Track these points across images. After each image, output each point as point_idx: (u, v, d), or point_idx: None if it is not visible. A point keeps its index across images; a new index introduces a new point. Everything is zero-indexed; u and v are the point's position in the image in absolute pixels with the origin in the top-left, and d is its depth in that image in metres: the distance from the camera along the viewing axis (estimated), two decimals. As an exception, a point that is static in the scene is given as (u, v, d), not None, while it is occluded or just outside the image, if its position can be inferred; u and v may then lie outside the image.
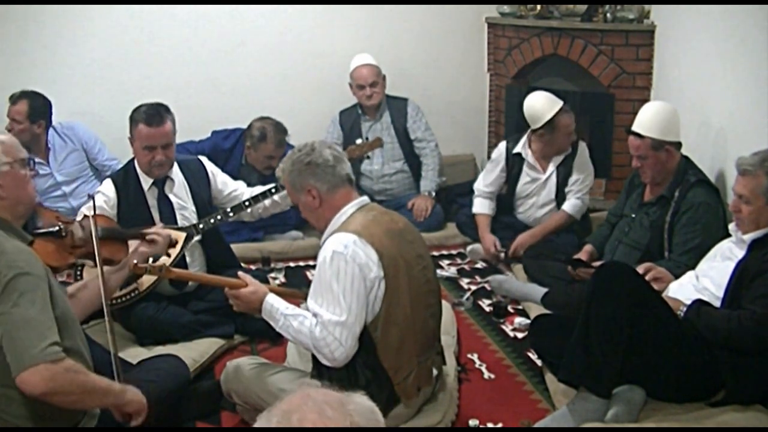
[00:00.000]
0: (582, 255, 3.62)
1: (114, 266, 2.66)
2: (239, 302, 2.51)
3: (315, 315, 2.34)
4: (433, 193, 4.67)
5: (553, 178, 4.17)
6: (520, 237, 4.09)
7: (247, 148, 4.39)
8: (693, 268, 2.93)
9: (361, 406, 1.12)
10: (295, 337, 2.40)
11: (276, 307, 2.45)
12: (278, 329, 2.44)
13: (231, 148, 4.46)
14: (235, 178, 3.90)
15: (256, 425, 1.13)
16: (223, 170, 3.92)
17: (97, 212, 3.18)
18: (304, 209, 2.53)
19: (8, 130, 4.16)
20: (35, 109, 4.19)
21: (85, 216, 2.56)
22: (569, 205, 4.11)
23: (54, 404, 1.98)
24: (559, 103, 4.05)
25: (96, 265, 2.43)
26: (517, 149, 4.24)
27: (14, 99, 4.20)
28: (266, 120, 4.37)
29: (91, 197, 2.69)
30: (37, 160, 4.07)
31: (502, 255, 4.18)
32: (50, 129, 4.33)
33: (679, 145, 3.33)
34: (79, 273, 3.07)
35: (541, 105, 4.06)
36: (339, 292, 2.29)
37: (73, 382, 1.96)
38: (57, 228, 2.47)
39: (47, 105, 4.27)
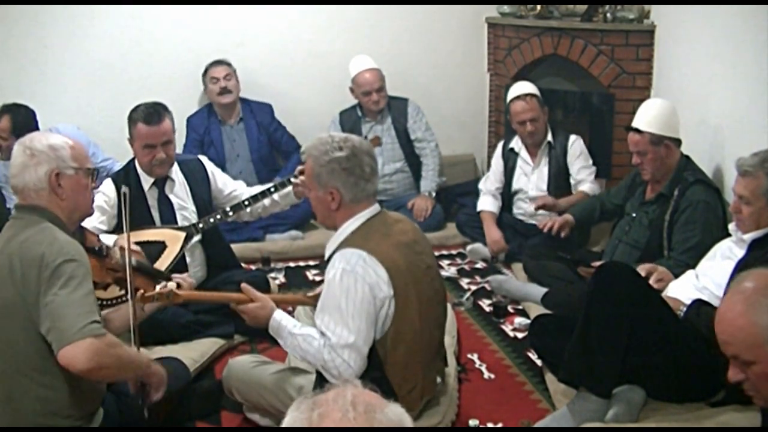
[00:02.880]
0: (560, 221, 3.79)
1: None
2: (246, 318, 2.48)
3: (323, 334, 2.32)
4: (434, 193, 4.67)
5: (544, 171, 4.20)
6: (541, 197, 4.08)
7: (208, 94, 4.71)
8: (693, 266, 2.93)
9: (389, 418, 1.09)
10: (302, 357, 2.38)
11: (283, 325, 2.41)
12: (284, 347, 2.43)
13: (206, 124, 4.67)
14: (222, 143, 4.19)
15: (290, 408, 1.12)
16: (210, 142, 4.47)
17: (96, 212, 3.21)
18: (315, 200, 2.45)
19: None
20: (18, 122, 4.10)
21: (122, 247, 2.59)
22: (586, 187, 4.13)
23: (94, 379, 2.08)
24: (521, 91, 4.14)
25: (126, 292, 2.46)
26: (512, 144, 4.33)
27: None
28: None
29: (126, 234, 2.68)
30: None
31: (503, 256, 4.20)
32: None
33: (678, 142, 3.34)
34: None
35: (509, 91, 4.23)
36: (348, 313, 2.26)
37: (113, 357, 2.03)
38: (99, 247, 2.49)
39: (30, 115, 4.19)
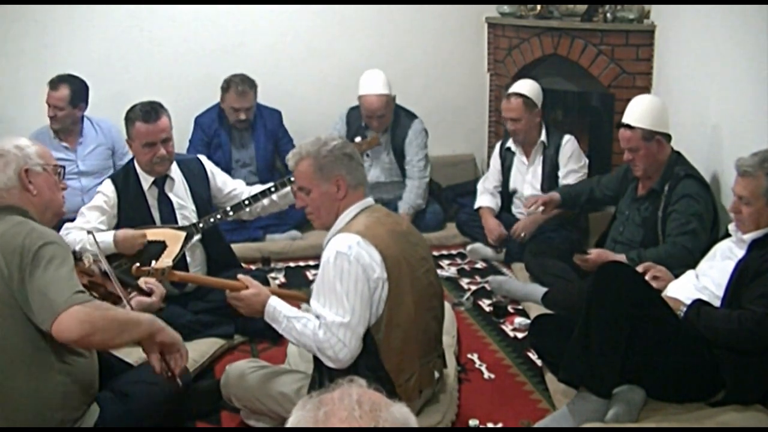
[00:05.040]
0: (544, 197, 3.86)
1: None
2: (241, 305, 2.49)
3: (318, 316, 2.34)
4: (411, 213, 4.49)
5: (538, 170, 4.22)
6: (520, 222, 4.13)
7: (225, 108, 4.56)
8: (691, 250, 3.01)
9: (395, 417, 1.09)
10: (298, 340, 2.39)
11: (279, 309, 2.43)
12: (281, 332, 2.43)
13: (216, 126, 4.58)
14: (229, 147, 4.21)
15: (295, 408, 1.13)
16: (219, 144, 4.37)
17: (95, 212, 3.22)
18: (319, 198, 2.47)
19: (50, 117, 4.17)
20: (76, 92, 4.18)
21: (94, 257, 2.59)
22: None
23: (94, 346, 2.11)
24: (512, 90, 4.19)
25: (102, 297, 2.44)
26: (509, 143, 4.35)
27: (54, 84, 4.14)
28: (237, 74, 4.50)
29: (91, 233, 2.71)
30: (64, 144, 4.21)
31: (503, 253, 4.21)
32: (85, 118, 4.32)
33: (669, 137, 3.35)
34: None
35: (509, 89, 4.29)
36: (342, 293, 2.28)
37: (105, 319, 2.03)
38: (73, 250, 2.49)
39: (86, 88, 4.25)
